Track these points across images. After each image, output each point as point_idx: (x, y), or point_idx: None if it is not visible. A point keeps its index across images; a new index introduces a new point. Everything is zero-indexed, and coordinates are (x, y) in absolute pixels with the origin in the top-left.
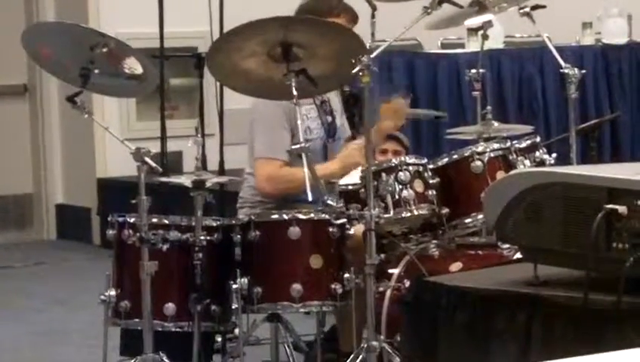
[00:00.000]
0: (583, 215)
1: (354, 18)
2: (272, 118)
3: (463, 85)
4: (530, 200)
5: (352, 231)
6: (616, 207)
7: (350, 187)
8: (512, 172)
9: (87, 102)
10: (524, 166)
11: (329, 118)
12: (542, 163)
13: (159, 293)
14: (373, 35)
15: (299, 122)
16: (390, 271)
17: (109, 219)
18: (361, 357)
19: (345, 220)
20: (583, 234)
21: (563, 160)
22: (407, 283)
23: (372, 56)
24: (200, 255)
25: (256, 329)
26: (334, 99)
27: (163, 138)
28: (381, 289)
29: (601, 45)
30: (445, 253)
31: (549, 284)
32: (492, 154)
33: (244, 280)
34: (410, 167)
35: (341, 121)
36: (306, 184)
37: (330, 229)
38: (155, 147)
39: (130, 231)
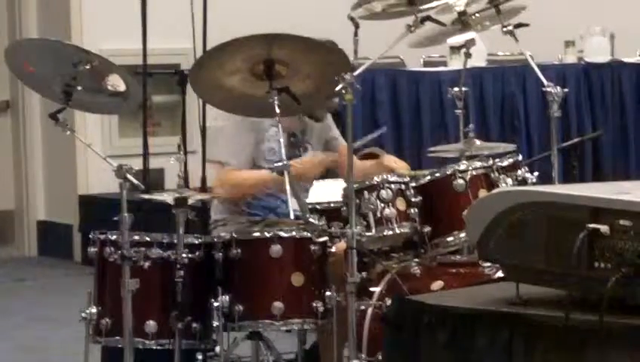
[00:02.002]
0: (565, 234)
1: None
2: (233, 126)
3: (446, 103)
4: (512, 219)
5: (333, 249)
6: (599, 226)
7: (332, 205)
8: (494, 191)
9: (69, 118)
10: (506, 184)
11: (297, 152)
12: (524, 181)
13: (140, 311)
14: (356, 52)
15: (281, 139)
16: (372, 289)
17: (90, 236)
18: None
19: (327, 238)
20: (565, 253)
21: (545, 178)
22: (389, 302)
23: (355, 73)
24: (181, 272)
25: (237, 347)
26: (313, 128)
27: (145, 155)
28: (362, 307)
29: (584, 64)
30: (427, 272)
31: (530, 303)
32: (474, 173)
33: (226, 298)
34: (392, 185)
35: (315, 150)
36: (257, 186)
37: (312, 247)
38: (137, 164)
39: (112, 249)
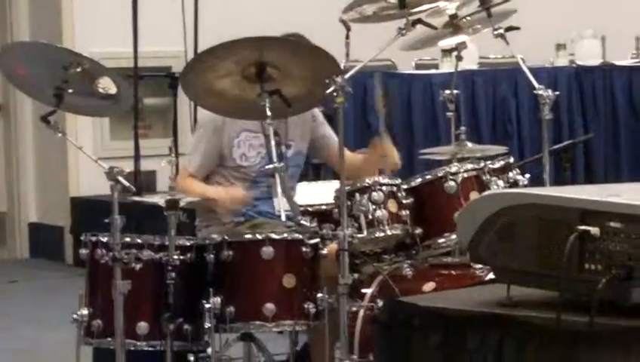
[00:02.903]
0: (555, 236)
1: None
2: (200, 132)
3: (437, 106)
4: (503, 221)
5: (325, 251)
6: (589, 228)
7: (324, 207)
8: (486, 193)
9: (60, 121)
10: (498, 186)
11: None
12: (515, 183)
13: (132, 312)
14: (347, 55)
15: (272, 142)
16: (363, 290)
17: (81, 238)
18: None
19: (318, 240)
20: (555, 255)
21: (536, 181)
22: (380, 303)
23: (346, 76)
24: (173, 274)
25: (228, 349)
26: (295, 124)
27: (136, 157)
28: (354, 309)
29: (575, 67)
30: (418, 273)
31: (521, 305)
32: (465, 175)
33: (217, 300)
34: (384, 187)
35: (301, 145)
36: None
37: (304, 249)
38: (128, 166)
39: (103, 251)
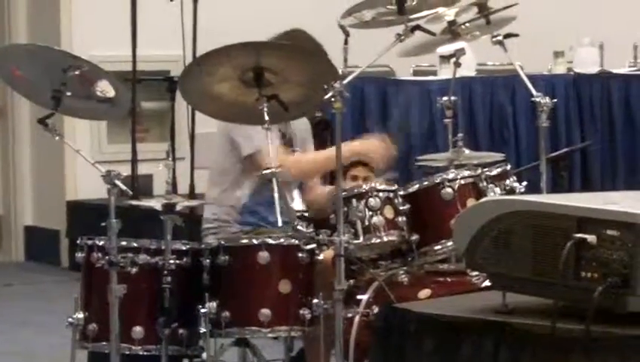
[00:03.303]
0: (552, 244)
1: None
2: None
3: (435, 112)
4: (499, 228)
5: (321, 257)
6: (586, 236)
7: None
8: (482, 200)
9: (58, 124)
10: (495, 193)
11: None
12: (512, 191)
13: (127, 317)
14: (345, 61)
15: (270, 146)
16: (359, 297)
17: (78, 241)
18: None
19: (314, 246)
20: (552, 262)
21: (533, 188)
22: (376, 310)
23: (344, 82)
24: (169, 278)
25: (223, 354)
26: (299, 130)
27: (134, 161)
28: (350, 315)
29: (573, 74)
30: (414, 280)
31: (517, 312)
32: (462, 182)
33: (213, 304)
34: (381, 194)
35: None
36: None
37: (300, 254)
38: (126, 170)
39: (99, 254)
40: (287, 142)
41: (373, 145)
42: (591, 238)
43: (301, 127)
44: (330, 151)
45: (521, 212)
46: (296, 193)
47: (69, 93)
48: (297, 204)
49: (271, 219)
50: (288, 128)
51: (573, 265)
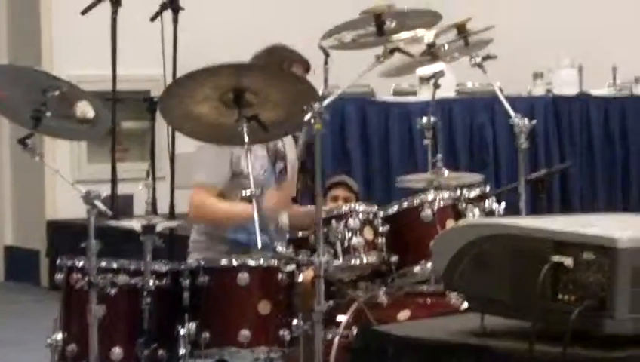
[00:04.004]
0: (529, 266)
1: (307, 67)
2: (214, 150)
3: (415, 133)
4: (477, 250)
5: (301, 278)
6: (563, 258)
7: (300, 233)
8: (461, 222)
9: (38, 142)
10: (474, 215)
11: (280, 164)
12: (491, 212)
13: (106, 337)
14: (326, 81)
15: (250, 169)
16: (338, 318)
17: (57, 262)
18: None
19: (294, 267)
20: (529, 285)
21: (512, 209)
22: (356, 331)
23: (324, 103)
24: (148, 299)
25: None
26: (288, 146)
27: (113, 181)
28: (329, 336)
29: (552, 96)
30: (394, 301)
31: (495, 335)
32: (442, 203)
33: (192, 325)
34: (360, 215)
35: (293, 167)
36: (230, 220)
37: (279, 276)
38: (106, 190)
39: (79, 275)
40: (278, 155)
41: None
42: (568, 261)
43: (289, 143)
44: (239, 208)
45: (499, 235)
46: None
47: (48, 114)
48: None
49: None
50: (279, 142)
51: (551, 287)
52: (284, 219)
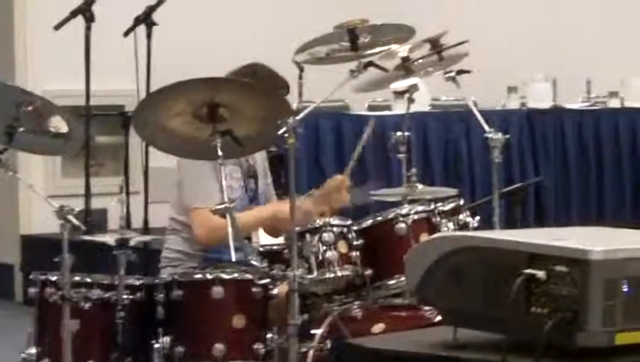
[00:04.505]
0: (502, 279)
1: (282, 85)
2: (202, 169)
3: (389, 147)
4: (451, 263)
5: (275, 291)
6: (535, 271)
7: (274, 247)
8: (434, 235)
9: (12, 157)
10: (448, 229)
11: (252, 182)
12: (465, 226)
13: (80, 352)
14: (300, 96)
15: (223, 182)
16: (313, 331)
17: (31, 276)
18: None
19: (268, 280)
20: (502, 298)
21: (487, 223)
22: (330, 344)
23: (298, 117)
24: (122, 314)
25: None
26: (259, 161)
27: (87, 195)
28: (304, 349)
29: (526, 109)
30: (368, 314)
31: (468, 347)
32: (416, 217)
33: (167, 340)
34: (335, 228)
35: (264, 183)
36: (242, 232)
37: (254, 289)
38: (80, 204)
39: (52, 289)
40: (249, 173)
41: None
42: (541, 274)
43: (259, 157)
44: (263, 212)
45: (471, 248)
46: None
47: (22, 129)
48: (263, 236)
49: (223, 257)
50: (250, 159)
51: (524, 300)
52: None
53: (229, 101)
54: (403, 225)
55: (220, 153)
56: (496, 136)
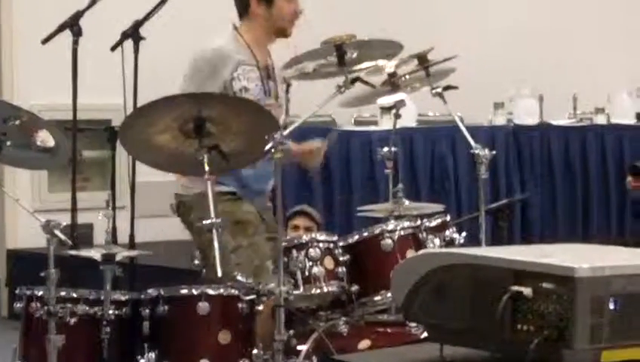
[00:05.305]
0: (489, 296)
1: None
2: (199, 75)
3: (376, 163)
4: (437, 280)
5: (261, 307)
6: (522, 289)
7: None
8: (420, 252)
9: None
10: (434, 244)
11: (269, 84)
12: (451, 242)
13: None
14: (287, 111)
15: (210, 198)
16: (299, 347)
17: (17, 291)
18: None
19: (254, 296)
20: (488, 315)
21: (473, 239)
22: (316, 360)
23: (285, 132)
24: (108, 329)
25: None
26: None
27: (74, 210)
28: None
29: (513, 125)
30: (354, 330)
31: None
32: (402, 233)
33: (152, 355)
34: (321, 244)
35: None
36: None
37: (240, 305)
38: (66, 218)
39: (38, 304)
40: (267, 74)
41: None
42: (527, 291)
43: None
44: None
45: (458, 265)
46: None
47: (8, 143)
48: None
49: (255, 186)
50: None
51: (510, 317)
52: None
53: (216, 116)
54: (389, 241)
55: (206, 168)
56: (482, 152)
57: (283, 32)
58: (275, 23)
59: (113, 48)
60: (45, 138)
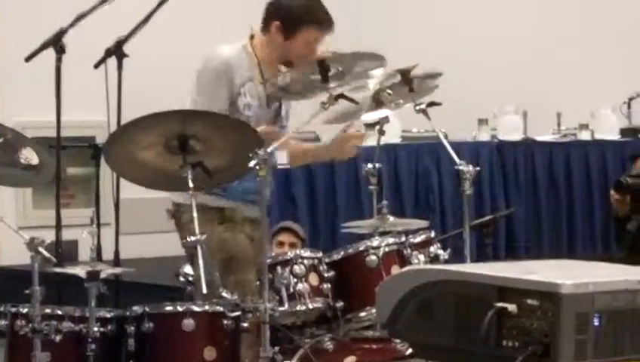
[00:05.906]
0: (474, 312)
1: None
2: (212, 80)
3: (360, 179)
4: (422, 296)
5: (246, 324)
6: (507, 305)
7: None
8: (405, 269)
9: None
10: (419, 261)
11: (275, 102)
12: (436, 258)
13: None
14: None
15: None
16: None
17: (1, 309)
18: None
19: (239, 313)
20: (473, 331)
21: (458, 255)
22: None
23: (269, 150)
24: (93, 346)
25: None
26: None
27: (58, 227)
28: None
29: (497, 141)
30: (339, 347)
31: None
32: (387, 249)
33: None
34: (306, 261)
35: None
36: None
37: (225, 322)
38: (50, 235)
39: (23, 322)
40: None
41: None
42: (512, 307)
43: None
44: None
45: (442, 281)
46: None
47: None
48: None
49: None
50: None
51: (495, 333)
52: (282, 156)
53: (201, 133)
54: (374, 257)
55: (190, 185)
56: (466, 168)
57: (289, 64)
58: (286, 54)
59: (97, 65)
60: (29, 155)
